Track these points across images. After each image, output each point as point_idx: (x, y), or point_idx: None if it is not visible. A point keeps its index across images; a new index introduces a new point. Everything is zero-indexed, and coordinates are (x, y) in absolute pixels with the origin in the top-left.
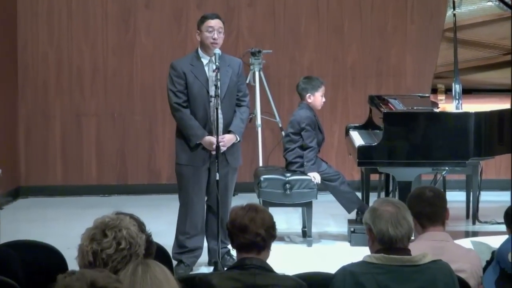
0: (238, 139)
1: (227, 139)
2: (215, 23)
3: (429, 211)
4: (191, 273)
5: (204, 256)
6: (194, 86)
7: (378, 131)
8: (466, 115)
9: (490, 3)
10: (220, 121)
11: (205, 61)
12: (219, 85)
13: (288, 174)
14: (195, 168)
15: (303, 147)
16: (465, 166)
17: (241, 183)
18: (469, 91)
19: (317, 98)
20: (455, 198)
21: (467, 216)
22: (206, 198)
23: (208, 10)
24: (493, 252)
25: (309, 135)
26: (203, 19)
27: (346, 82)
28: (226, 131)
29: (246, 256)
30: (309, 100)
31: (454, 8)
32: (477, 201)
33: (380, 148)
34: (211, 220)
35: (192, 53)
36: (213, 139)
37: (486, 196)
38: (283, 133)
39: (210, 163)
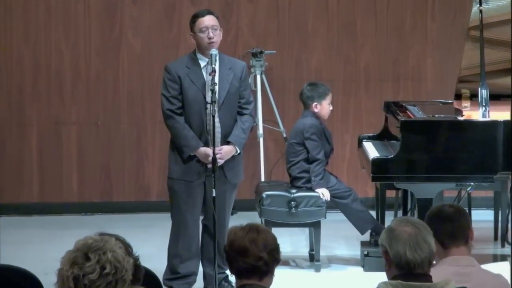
0: (238, 151)
1: (225, 151)
2: (207, 20)
3: (450, 227)
4: None
5: (199, 283)
6: (190, 91)
7: (394, 142)
8: (494, 123)
9: None
10: (218, 130)
11: (202, 63)
12: (216, 89)
13: (294, 191)
14: (189, 183)
15: (308, 160)
16: (493, 181)
17: (240, 200)
18: (497, 97)
19: (324, 107)
20: (482, 218)
21: (495, 238)
22: (202, 217)
23: (204, 5)
24: None
25: (315, 145)
26: (194, 18)
27: (359, 86)
28: (225, 142)
29: (246, 282)
30: (315, 110)
31: (480, 4)
32: (506, 220)
33: (397, 161)
34: (207, 242)
35: (189, 54)
36: (208, 150)
37: None
38: (287, 144)
39: (205, 177)
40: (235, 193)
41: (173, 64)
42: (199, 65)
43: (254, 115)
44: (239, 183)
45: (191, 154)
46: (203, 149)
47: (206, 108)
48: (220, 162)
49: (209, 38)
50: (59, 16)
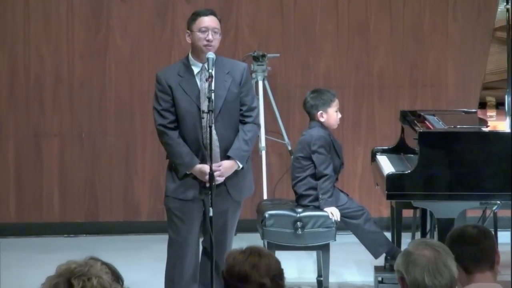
0: (240, 166)
1: (224, 167)
2: (209, 21)
3: (474, 251)
4: None
5: None
6: (183, 103)
7: (412, 155)
8: None
9: None
10: (216, 144)
11: (196, 69)
12: (212, 97)
13: (299, 210)
14: (187, 202)
15: (316, 176)
16: None
17: (240, 221)
18: None
19: (331, 115)
20: (509, 240)
21: None
22: (202, 239)
23: (200, 4)
24: None
25: (323, 159)
26: (195, 16)
27: (372, 94)
28: (225, 157)
29: None
30: (321, 119)
31: (507, 2)
32: None
33: (414, 176)
34: (207, 266)
35: (181, 60)
36: (205, 167)
37: None
38: (292, 158)
39: (205, 195)
40: (239, 212)
41: (163, 73)
42: (192, 72)
43: (259, 123)
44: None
45: (187, 172)
46: (199, 166)
47: (202, 119)
48: (220, 180)
49: (208, 41)
50: (39, 15)
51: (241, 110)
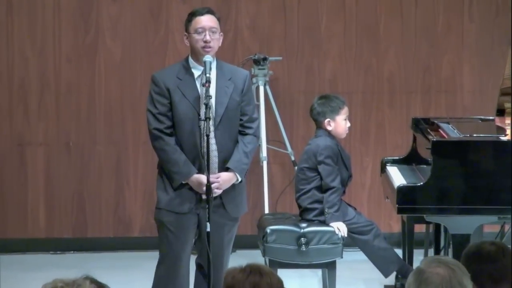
0: (239, 179)
1: (223, 179)
2: (206, 20)
3: (492, 269)
4: None
5: None
6: (181, 107)
7: (424, 166)
8: None
9: None
10: (215, 154)
11: (196, 73)
12: (210, 104)
13: (304, 225)
14: (180, 215)
15: (322, 188)
16: None
17: (240, 236)
18: None
19: (339, 124)
20: None
21: None
22: (196, 255)
23: (196, 4)
24: None
25: (330, 171)
26: (190, 17)
27: (382, 100)
28: (224, 168)
29: None
30: (328, 128)
31: None
32: None
33: (427, 189)
34: (201, 285)
35: (181, 62)
36: (203, 178)
37: None
38: (296, 168)
39: (200, 208)
40: (236, 228)
41: (161, 74)
42: (192, 74)
43: (258, 135)
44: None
45: (183, 182)
46: (197, 177)
47: (200, 127)
48: (218, 192)
49: (205, 42)
50: (22, 14)
51: (241, 120)
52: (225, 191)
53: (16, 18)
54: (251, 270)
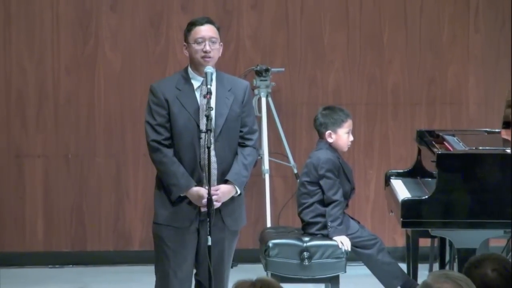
0: (239, 192)
1: (222, 192)
2: (205, 30)
3: None
4: None
5: None
6: (180, 118)
7: (429, 179)
8: None
9: None
10: (214, 166)
11: (196, 83)
12: (211, 115)
13: (306, 239)
14: (179, 230)
15: (324, 202)
16: None
17: (241, 250)
18: None
19: (340, 137)
20: None
21: None
22: (194, 271)
23: (197, 13)
24: None
25: (332, 184)
26: (190, 27)
27: (386, 112)
28: (222, 180)
29: None
30: (329, 140)
31: None
32: None
33: (432, 202)
34: None
35: (180, 72)
36: (202, 191)
37: None
38: (298, 182)
39: (199, 223)
40: (235, 242)
41: (159, 85)
42: (192, 85)
43: (258, 147)
44: (241, 229)
45: (181, 195)
46: (196, 189)
47: (200, 139)
48: (217, 205)
49: (205, 52)
50: (21, 25)
51: (241, 131)
52: (223, 204)
53: (14, 28)
54: (262, 285)
